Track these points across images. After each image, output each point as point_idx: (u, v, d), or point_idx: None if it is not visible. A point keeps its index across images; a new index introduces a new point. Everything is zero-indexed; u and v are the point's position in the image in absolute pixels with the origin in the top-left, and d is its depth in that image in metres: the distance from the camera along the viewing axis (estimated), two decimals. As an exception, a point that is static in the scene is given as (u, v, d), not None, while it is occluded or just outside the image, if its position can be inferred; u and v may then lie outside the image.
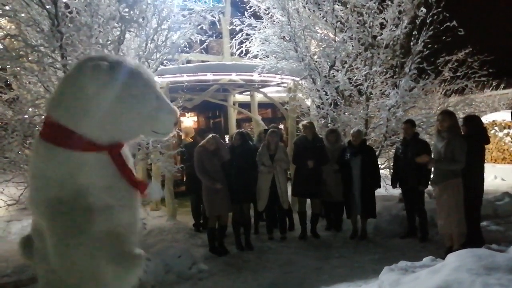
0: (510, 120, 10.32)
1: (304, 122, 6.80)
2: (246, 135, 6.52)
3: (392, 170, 6.60)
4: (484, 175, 5.55)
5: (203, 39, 6.90)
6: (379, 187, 6.32)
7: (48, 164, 1.80)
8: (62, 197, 1.77)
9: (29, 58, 5.37)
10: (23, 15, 5.31)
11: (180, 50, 6.79)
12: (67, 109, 1.81)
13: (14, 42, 5.50)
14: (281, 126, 13.28)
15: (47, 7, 5.19)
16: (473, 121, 5.53)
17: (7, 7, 5.32)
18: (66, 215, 1.75)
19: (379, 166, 7.60)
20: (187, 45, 7.03)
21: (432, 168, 5.25)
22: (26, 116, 5.41)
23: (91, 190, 1.80)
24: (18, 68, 5.33)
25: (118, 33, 5.73)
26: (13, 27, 5.66)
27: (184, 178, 7.92)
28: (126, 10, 5.60)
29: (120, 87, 1.81)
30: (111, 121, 1.84)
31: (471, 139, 5.11)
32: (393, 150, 7.92)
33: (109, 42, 5.69)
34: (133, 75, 1.87)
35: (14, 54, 5.18)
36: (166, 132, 2.07)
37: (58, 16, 5.23)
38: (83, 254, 1.76)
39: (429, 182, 5.53)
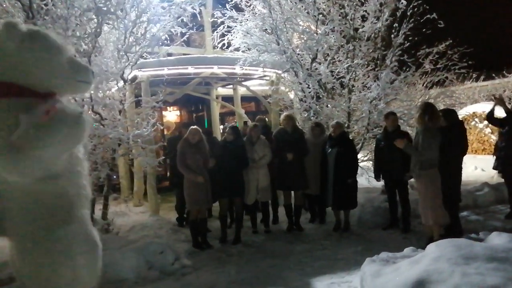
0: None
1: (283, 114, 6.79)
2: (238, 130, 6.45)
3: (373, 163, 6.60)
4: (463, 165, 5.65)
5: (183, 31, 6.81)
6: (353, 178, 6.22)
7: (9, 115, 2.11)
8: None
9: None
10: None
11: (160, 43, 6.70)
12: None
13: (-13, 35, 5.33)
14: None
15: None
16: (451, 114, 5.62)
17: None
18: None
19: (362, 158, 7.66)
20: (168, 38, 6.94)
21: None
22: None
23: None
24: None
25: (95, 25, 5.61)
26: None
27: (168, 173, 7.82)
28: (103, 1, 5.48)
29: (32, 44, 2.20)
30: (35, 73, 2.21)
31: (448, 131, 5.19)
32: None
33: (86, 35, 5.57)
34: (41, 34, 2.28)
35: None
36: (89, 80, 2.51)
37: (33, 8, 5.09)
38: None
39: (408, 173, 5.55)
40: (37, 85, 2.23)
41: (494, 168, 6.81)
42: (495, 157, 6.69)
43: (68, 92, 2.60)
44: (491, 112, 6.32)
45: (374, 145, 7.45)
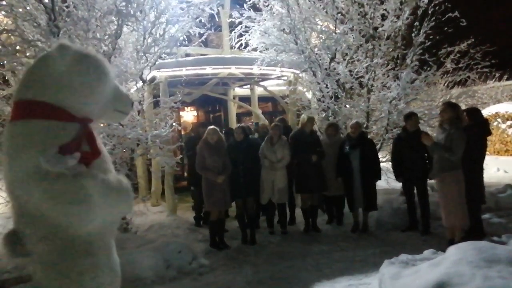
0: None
1: (306, 115, 6.74)
2: (247, 129, 6.49)
3: (392, 163, 6.51)
4: (485, 167, 5.52)
5: (201, 32, 6.85)
6: (379, 179, 6.26)
7: (47, 135, 1.95)
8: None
9: (26, 54, 5.35)
10: (19, 10, 5.27)
11: (178, 44, 6.75)
12: (41, 86, 2.02)
13: (11, 37, 5.47)
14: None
15: (44, 1, 5.16)
16: (475, 113, 5.50)
17: (3, 2, 5.29)
18: (55, 179, 1.89)
19: (381, 159, 7.56)
20: (186, 39, 6.99)
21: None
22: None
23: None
24: (15, 64, 5.28)
25: (115, 27, 5.69)
26: (9, 22, 5.62)
27: (185, 173, 7.89)
28: (123, 4, 5.55)
29: (86, 69, 2.07)
30: (79, 96, 2.07)
31: (472, 131, 5.08)
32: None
33: (106, 37, 5.66)
34: (95, 61, 2.14)
35: (11, 49, 5.16)
36: (127, 111, 2.41)
37: (55, 11, 5.19)
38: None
39: (430, 174, 5.46)
40: (76, 109, 2.09)
41: None
42: None
43: (103, 119, 2.53)
44: None
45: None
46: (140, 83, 6.56)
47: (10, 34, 5.37)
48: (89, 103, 2.12)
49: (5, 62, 5.40)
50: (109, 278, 2.18)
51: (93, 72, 2.10)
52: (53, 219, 1.93)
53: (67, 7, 5.36)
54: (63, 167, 1.93)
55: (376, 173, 6.17)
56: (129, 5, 5.67)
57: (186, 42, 7.10)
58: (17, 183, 1.96)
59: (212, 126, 5.89)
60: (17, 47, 5.24)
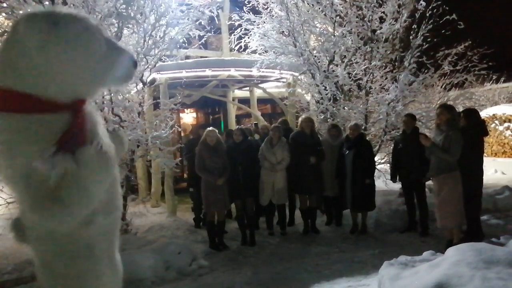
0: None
1: (304, 116, 6.78)
2: (246, 131, 6.53)
3: (390, 164, 6.56)
4: (484, 168, 5.55)
5: (201, 34, 6.88)
6: (371, 179, 6.19)
7: (19, 136, 1.58)
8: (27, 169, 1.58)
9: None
10: (20, 12, 5.28)
11: (178, 46, 6.77)
12: (10, 71, 1.58)
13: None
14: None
15: (45, 3, 5.17)
16: (472, 114, 5.54)
17: (4, 4, 5.29)
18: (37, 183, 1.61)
19: (379, 160, 7.61)
20: (186, 41, 7.02)
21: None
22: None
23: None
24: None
25: (115, 29, 5.71)
26: (10, 24, 5.63)
27: (185, 175, 7.92)
28: (124, 6, 5.57)
29: (63, 39, 1.58)
30: (63, 75, 1.61)
31: (469, 132, 5.12)
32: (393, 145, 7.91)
33: (106, 39, 5.66)
34: (72, 20, 1.63)
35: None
36: (130, 74, 1.86)
37: (55, 13, 5.20)
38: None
39: (427, 175, 5.49)
40: (62, 94, 1.63)
41: None
42: None
43: (100, 90, 2.08)
44: None
45: (391, 147, 7.39)
46: (140, 85, 6.58)
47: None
48: (76, 80, 1.65)
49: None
50: (111, 279, 2.09)
51: (71, 42, 1.59)
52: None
53: (67, 9, 5.38)
54: (60, 168, 1.61)
55: (368, 174, 6.12)
56: (129, 8, 5.69)
57: (186, 45, 7.12)
58: (8, 181, 1.71)
59: (210, 128, 5.90)
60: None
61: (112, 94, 5.68)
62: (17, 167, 1.62)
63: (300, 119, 6.93)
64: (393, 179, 6.30)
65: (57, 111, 1.62)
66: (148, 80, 6.79)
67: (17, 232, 1.96)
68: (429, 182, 5.93)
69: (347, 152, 6.16)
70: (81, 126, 1.70)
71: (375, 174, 6.42)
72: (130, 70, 1.83)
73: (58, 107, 1.62)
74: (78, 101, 1.70)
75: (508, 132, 11.90)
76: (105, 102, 5.79)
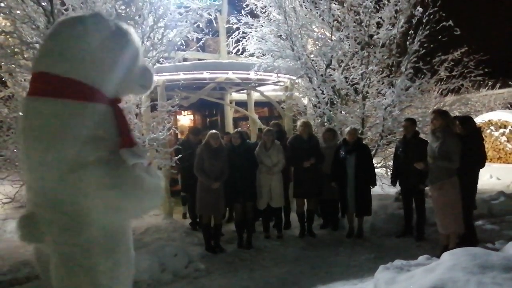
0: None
1: (301, 120, 6.81)
2: (244, 134, 6.53)
3: (391, 169, 6.59)
4: (479, 174, 5.59)
5: (199, 37, 6.88)
6: (375, 184, 6.33)
7: (58, 118, 1.77)
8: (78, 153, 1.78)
9: (25, 56, 5.34)
10: (18, 12, 5.27)
11: (176, 48, 6.77)
12: (72, 61, 1.83)
13: (9, 39, 5.47)
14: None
15: (43, 4, 5.17)
16: (468, 121, 5.57)
17: (2, 4, 5.29)
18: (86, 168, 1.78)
19: (376, 165, 7.64)
20: (184, 43, 7.02)
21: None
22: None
23: (97, 141, 1.84)
24: (13, 66, 5.29)
25: (114, 30, 5.71)
26: (8, 24, 5.62)
27: (179, 177, 7.89)
28: (123, 7, 5.58)
29: (118, 42, 1.95)
30: (113, 72, 1.93)
31: (466, 139, 5.15)
32: (390, 149, 7.96)
33: (105, 40, 5.66)
34: (126, 31, 2.03)
35: (9, 51, 5.17)
36: (149, 86, 2.27)
37: (53, 13, 5.20)
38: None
39: (425, 182, 5.53)
40: (107, 89, 1.93)
41: None
42: None
43: (127, 94, 2.48)
44: None
45: (388, 152, 7.42)
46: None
47: (8, 36, 5.37)
48: (122, 81, 2.00)
49: (3, 64, 5.41)
50: (127, 274, 2.12)
51: (126, 48, 1.96)
52: (92, 209, 1.82)
53: (66, 9, 5.37)
54: (140, 160, 1.93)
55: (372, 179, 6.24)
56: (128, 9, 5.70)
57: (184, 47, 7.12)
58: (47, 167, 1.79)
59: (213, 131, 5.93)
60: (16, 49, 5.24)
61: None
62: (69, 151, 1.77)
63: (298, 123, 6.96)
64: (394, 183, 6.33)
65: (105, 102, 1.90)
66: (146, 82, 6.78)
67: (26, 230, 1.94)
68: (426, 188, 5.96)
69: (347, 157, 6.17)
70: (124, 121, 1.99)
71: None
72: (151, 84, 2.26)
73: (105, 99, 1.91)
74: (116, 99, 2.02)
75: (503, 138, 11.97)
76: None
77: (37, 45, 5.22)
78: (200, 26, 6.72)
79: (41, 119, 1.79)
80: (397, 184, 6.32)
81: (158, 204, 2.24)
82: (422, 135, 7.32)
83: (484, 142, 5.85)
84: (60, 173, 1.79)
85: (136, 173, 1.90)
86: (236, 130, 6.71)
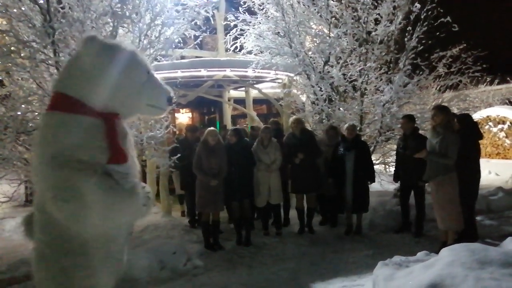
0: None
1: (293, 118, 6.82)
2: (242, 131, 6.52)
3: (393, 165, 6.60)
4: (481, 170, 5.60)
5: (197, 34, 6.86)
6: (373, 181, 6.34)
7: (60, 129, 2.00)
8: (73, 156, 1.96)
9: (21, 54, 5.32)
10: (14, 10, 5.24)
11: (174, 46, 6.75)
12: (67, 78, 2.10)
13: (6, 37, 5.44)
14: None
15: (39, 2, 5.15)
16: (465, 119, 5.58)
17: (-2, 3, 5.26)
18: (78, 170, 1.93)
19: (374, 161, 7.65)
20: (181, 41, 7.00)
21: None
22: (19, 113, 5.35)
23: (89, 149, 2.02)
24: (10, 64, 5.26)
25: (110, 28, 5.69)
26: (4, 22, 5.59)
27: (173, 176, 7.91)
28: (119, 5, 5.55)
29: (111, 61, 2.05)
30: (106, 92, 2.05)
31: (465, 135, 5.15)
32: (388, 146, 7.96)
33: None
34: (122, 51, 2.12)
35: (5, 50, 5.13)
36: (161, 106, 2.25)
37: (50, 12, 5.18)
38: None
39: (424, 177, 5.52)
40: (100, 104, 2.05)
41: None
42: None
43: (134, 115, 2.42)
44: None
45: (386, 148, 7.41)
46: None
47: (4, 35, 5.34)
48: (114, 97, 2.07)
49: (0, 62, 5.38)
50: (104, 280, 2.18)
51: (117, 65, 2.05)
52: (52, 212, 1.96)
53: (62, 8, 5.34)
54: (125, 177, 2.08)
55: (370, 175, 6.24)
56: (125, 7, 5.67)
57: (182, 45, 7.10)
58: (35, 168, 2.07)
59: (212, 128, 5.92)
60: (12, 48, 5.21)
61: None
62: (66, 157, 1.93)
63: (289, 120, 6.97)
64: (396, 179, 6.35)
65: (90, 115, 2.02)
66: (143, 80, 6.76)
67: (27, 227, 2.24)
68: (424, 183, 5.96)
69: (346, 153, 6.17)
70: (112, 134, 2.06)
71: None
72: (163, 104, 2.24)
73: (92, 112, 2.03)
74: (111, 114, 2.10)
75: (502, 134, 11.99)
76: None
77: (33, 44, 5.21)
78: (198, 23, 6.69)
79: (39, 128, 2.17)
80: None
81: (132, 219, 2.42)
82: (421, 131, 7.34)
83: (482, 138, 5.84)
84: (44, 173, 1.98)
85: (107, 186, 1.96)
86: (232, 127, 6.70)
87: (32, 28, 5.23)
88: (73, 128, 1.99)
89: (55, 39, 5.13)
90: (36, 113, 5.50)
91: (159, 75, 7.56)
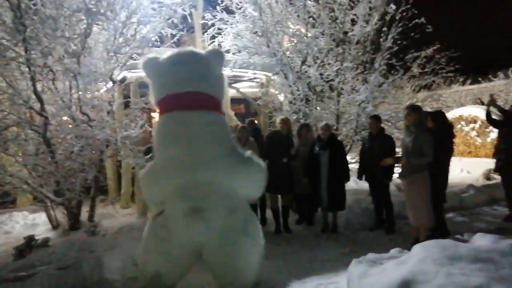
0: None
1: (281, 117, 6.83)
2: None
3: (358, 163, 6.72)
4: (450, 168, 5.73)
5: (174, 33, 6.80)
6: (348, 180, 6.38)
7: (214, 125, 3.41)
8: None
9: (-9, 51, 5.17)
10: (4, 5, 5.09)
11: (150, 44, 6.68)
12: (211, 84, 3.46)
13: (-26, 34, 5.27)
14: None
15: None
16: (440, 116, 5.70)
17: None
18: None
19: (350, 160, 7.74)
20: (158, 39, 6.93)
21: (400, 162, 5.39)
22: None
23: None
24: (-21, 62, 5.11)
25: (84, 26, 5.59)
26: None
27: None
28: (93, 2, 5.46)
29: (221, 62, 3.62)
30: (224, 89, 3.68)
31: (438, 134, 5.27)
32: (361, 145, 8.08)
33: (75, 36, 5.54)
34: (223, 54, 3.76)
35: (-26, 46, 4.98)
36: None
37: (21, 8, 5.04)
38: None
39: (398, 176, 5.63)
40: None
41: (495, 170, 6.84)
42: (495, 159, 6.51)
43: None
44: (488, 114, 6.37)
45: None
46: (110, 84, 6.45)
47: (-27, 31, 5.18)
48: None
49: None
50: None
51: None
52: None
53: (34, 4, 5.21)
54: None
55: (345, 174, 6.29)
56: (99, 4, 5.57)
57: (159, 43, 7.03)
58: (206, 162, 3.40)
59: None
60: (-19, 44, 5.06)
61: (80, 93, 5.54)
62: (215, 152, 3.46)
63: (277, 120, 6.97)
64: (360, 177, 6.48)
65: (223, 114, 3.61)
66: (118, 78, 6.66)
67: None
68: (397, 181, 6.08)
69: (321, 152, 6.21)
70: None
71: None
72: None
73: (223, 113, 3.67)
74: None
75: (473, 133, 12.32)
76: (72, 100, 5.65)
77: (3, 41, 5.06)
78: (175, 22, 6.64)
79: (204, 126, 3.36)
80: (364, 179, 6.48)
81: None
82: (395, 130, 7.48)
83: (455, 137, 5.99)
84: (212, 163, 3.38)
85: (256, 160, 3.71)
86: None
87: (2, 25, 5.10)
88: (227, 124, 3.53)
89: (27, 37, 4.99)
90: (6, 113, 5.35)
91: (134, 74, 7.48)
